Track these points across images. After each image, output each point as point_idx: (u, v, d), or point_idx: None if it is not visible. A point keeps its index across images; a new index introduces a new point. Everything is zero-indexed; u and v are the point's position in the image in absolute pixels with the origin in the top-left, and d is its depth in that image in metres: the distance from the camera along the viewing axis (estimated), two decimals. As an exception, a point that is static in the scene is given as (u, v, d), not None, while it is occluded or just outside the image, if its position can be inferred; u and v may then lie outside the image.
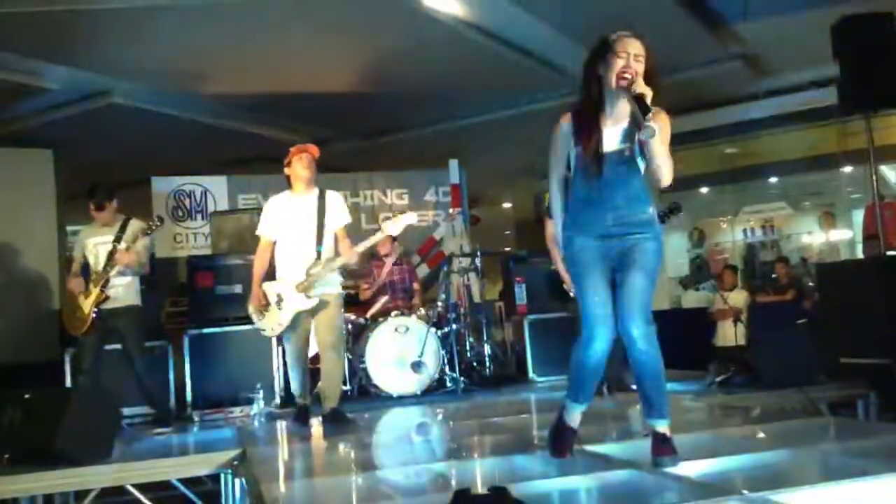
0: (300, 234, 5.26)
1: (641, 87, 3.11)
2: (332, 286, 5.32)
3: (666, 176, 3.21)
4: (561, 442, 3.49)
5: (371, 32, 7.60)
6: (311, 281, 5.17)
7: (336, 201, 5.42)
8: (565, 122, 3.36)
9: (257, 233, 5.47)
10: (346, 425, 5.21)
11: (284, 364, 7.33)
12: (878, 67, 5.96)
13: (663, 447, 3.20)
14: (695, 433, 4.08)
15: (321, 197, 5.36)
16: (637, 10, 6.84)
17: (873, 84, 5.99)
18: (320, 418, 5.39)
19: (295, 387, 5.54)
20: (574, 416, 3.49)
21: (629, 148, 3.26)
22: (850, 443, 3.68)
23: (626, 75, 3.17)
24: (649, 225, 3.32)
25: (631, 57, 3.18)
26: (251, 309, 5.39)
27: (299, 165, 5.32)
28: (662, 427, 3.26)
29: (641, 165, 3.28)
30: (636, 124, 3.16)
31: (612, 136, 3.28)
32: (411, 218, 5.38)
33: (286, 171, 5.39)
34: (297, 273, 5.21)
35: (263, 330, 5.40)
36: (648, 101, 3.08)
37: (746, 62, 9.00)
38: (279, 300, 5.25)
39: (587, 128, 3.28)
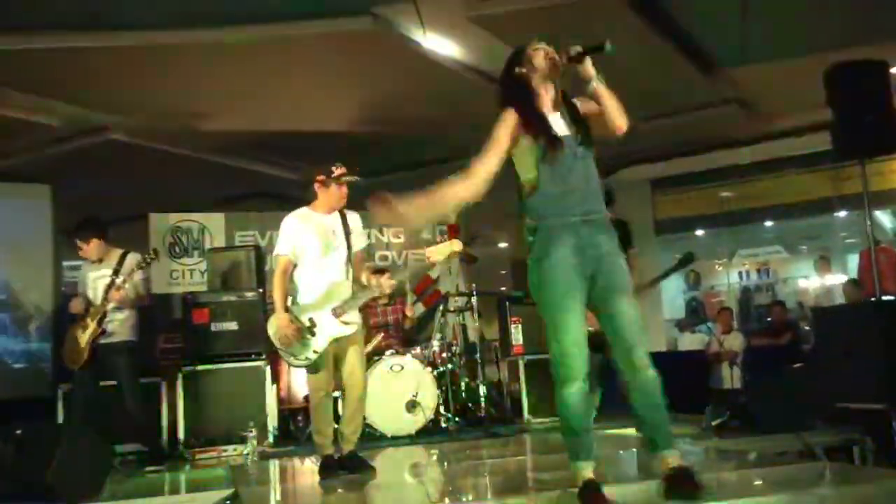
0: (330, 255, 4.87)
1: (574, 48, 3.25)
2: (357, 316, 4.93)
3: (622, 118, 3.31)
4: (592, 500, 3.21)
5: (371, 74, 7.67)
6: (349, 305, 4.80)
7: (357, 222, 5.05)
8: (511, 113, 3.35)
9: (276, 253, 4.95)
10: (365, 472, 4.81)
11: (279, 402, 7.34)
12: (872, 114, 6.02)
13: (689, 481, 3.10)
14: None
15: (344, 217, 4.99)
16: (633, 53, 6.93)
17: (867, 130, 6.04)
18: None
19: (320, 431, 4.87)
20: (587, 473, 3.27)
21: (575, 135, 3.34)
22: (846, 488, 3.66)
23: (552, 56, 3.31)
24: (609, 229, 3.37)
25: (546, 46, 3.35)
26: (276, 336, 4.82)
27: (337, 194, 4.93)
28: (677, 458, 3.19)
29: (592, 154, 3.37)
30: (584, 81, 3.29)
31: (556, 124, 3.36)
32: (455, 245, 4.83)
33: (316, 186, 4.94)
34: (329, 297, 4.81)
35: (293, 357, 4.83)
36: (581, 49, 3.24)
37: (742, 106, 9.09)
38: (312, 325, 4.78)
39: (532, 114, 3.33)
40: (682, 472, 3.16)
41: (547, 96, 3.39)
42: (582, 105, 3.45)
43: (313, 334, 4.79)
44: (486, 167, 3.35)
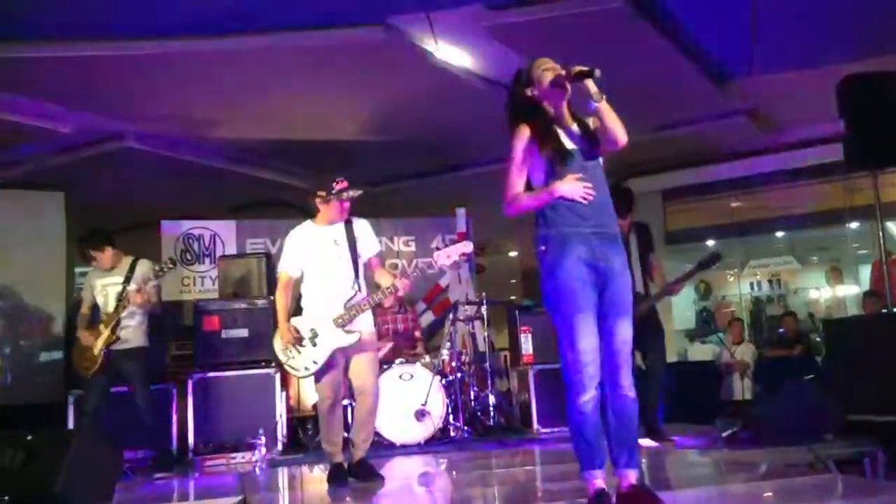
0: (333, 266, 4.87)
1: (576, 68, 3.28)
2: (368, 324, 4.93)
3: (623, 134, 3.35)
4: None
5: (381, 82, 7.69)
6: (351, 315, 4.77)
7: (365, 228, 5.03)
8: (524, 129, 3.42)
9: (279, 269, 5.00)
10: (373, 480, 4.78)
11: (288, 410, 7.34)
12: (883, 126, 6.02)
13: (645, 492, 3.21)
14: (700, 488, 4.04)
15: (349, 225, 4.97)
16: (644, 63, 6.94)
17: (878, 142, 6.04)
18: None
19: (329, 439, 4.88)
20: (598, 482, 3.29)
21: (582, 150, 3.42)
22: (857, 500, 3.65)
23: (560, 75, 3.34)
24: (619, 244, 3.45)
25: (552, 65, 3.40)
26: (278, 347, 4.91)
27: (338, 209, 4.91)
28: (636, 476, 3.26)
29: (602, 167, 3.46)
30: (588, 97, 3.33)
31: (566, 138, 3.44)
32: (467, 247, 4.88)
33: (317, 201, 4.91)
34: (331, 307, 4.80)
35: (295, 370, 4.89)
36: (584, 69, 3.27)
37: (753, 117, 9.08)
38: (314, 335, 4.80)
39: (542, 128, 3.41)
40: (641, 490, 3.23)
41: (557, 112, 3.46)
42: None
43: (315, 345, 4.81)
44: (520, 188, 3.45)
